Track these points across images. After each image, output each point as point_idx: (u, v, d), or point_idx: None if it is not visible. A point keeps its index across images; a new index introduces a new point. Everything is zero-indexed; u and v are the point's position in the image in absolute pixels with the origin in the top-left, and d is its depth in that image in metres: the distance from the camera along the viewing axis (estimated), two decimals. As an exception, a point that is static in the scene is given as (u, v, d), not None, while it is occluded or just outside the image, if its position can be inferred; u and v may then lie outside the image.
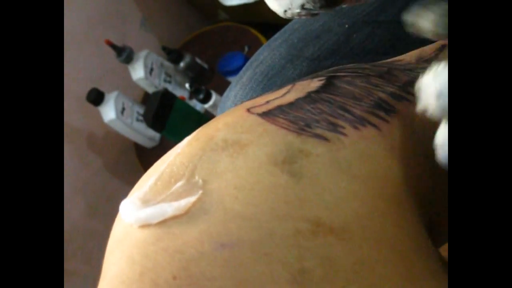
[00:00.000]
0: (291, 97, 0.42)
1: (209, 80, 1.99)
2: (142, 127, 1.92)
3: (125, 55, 1.93)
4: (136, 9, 2.19)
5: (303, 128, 0.39)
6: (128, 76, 1.99)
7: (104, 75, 2.00)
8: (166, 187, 0.37)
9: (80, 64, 1.92)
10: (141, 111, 1.92)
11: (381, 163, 0.39)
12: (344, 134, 0.39)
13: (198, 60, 2.00)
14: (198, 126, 1.60)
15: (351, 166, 0.38)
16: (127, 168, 2.09)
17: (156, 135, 2.01)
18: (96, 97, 1.83)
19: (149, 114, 1.75)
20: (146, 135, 1.98)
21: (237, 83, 0.70)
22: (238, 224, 0.34)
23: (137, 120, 1.93)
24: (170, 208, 0.35)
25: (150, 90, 2.01)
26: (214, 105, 1.76)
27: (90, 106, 1.83)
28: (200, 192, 0.35)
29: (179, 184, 0.36)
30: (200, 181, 0.36)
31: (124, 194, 0.42)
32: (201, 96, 1.76)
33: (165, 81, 2.03)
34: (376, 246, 0.36)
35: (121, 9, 2.14)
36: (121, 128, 1.91)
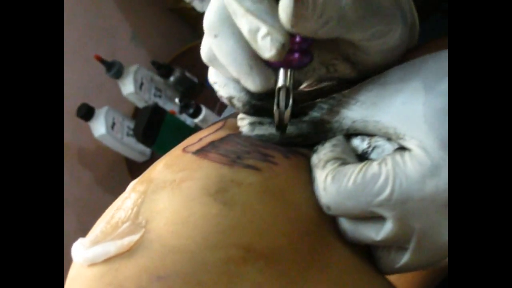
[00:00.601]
0: (223, 133, 0.44)
1: (199, 94, 1.99)
2: (133, 141, 1.92)
3: (115, 70, 1.93)
4: (126, 24, 2.19)
5: (234, 160, 0.41)
6: (118, 91, 1.98)
7: (94, 90, 2.00)
8: (114, 229, 0.39)
9: (70, 80, 1.92)
10: (132, 125, 1.92)
11: (311, 188, 0.41)
12: (275, 163, 0.41)
13: (188, 74, 2.01)
14: (188, 140, 1.56)
15: (284, 193, 0.40)
16: (118, 182, 2.08)
17: (146, 150, 2.01)
18: (86, 112, 1.82)
19: (139, 129, 1.75)
20: (137, 150, 1.97)
21: None
22: (173, 257, 0.36)
23: (128, 135, 1.92)
24: (114, 246, 0.37)
25: (140, 104, 2.01)
26: (204, 120, 1.76)
27: (80, 122, 1.83)
28: (143, 230, 0.38)
29: (125, 225, 0.38)
30: (144, 221, 0.38)
31: None
32: (191, 111, 1.76)
33: (155, 95, 2.03)
34: (307, 268, 0.38)
35: (111, 24, 2.14)
36: (112, 143, 1.90)
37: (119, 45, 2.16)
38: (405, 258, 0.40)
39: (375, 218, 0.39)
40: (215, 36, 0.41)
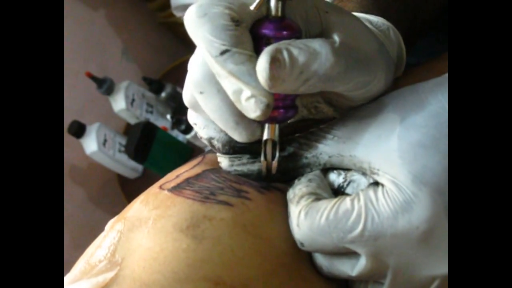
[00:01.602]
0: (199, 169, 0.45)
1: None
2: (125, 158, 1.91)
3: (106, 86, 1.92)
4: (117, 40, 2.19)
5: (207, 196, 0.42)
6: (109, 107, 1.98)
7: (85, 107, 1.99)
8: (92, 268, 0.40)
9: (61, 97, 1.91)
10: (123, 142, 1.92)
11: (286, 223, 0.42)
12: (249, 199, 0.42)
13: (180, 90, 2.00)
14: (181, 156, 1.58)
15: (256, 228, 0.41)
16: (111, 199, 2.07)
17: (139, 166, 2.00)
18: (78, 130, 1.82)
19: (130, 146, 1.74)
20: (129, 166, 1.96)
21: None
22: None
23: (120, 151, 1.92)
24: (89, 284, 0.38)
25: (132, 121, 2.00)
26: (196, 136, 1.75)
27: (71, 139, 1.82)
28: (118, 268, 0.39)
29: (102, 264, 0.40)
30: (120, 259, 0.39)
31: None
32: (182, 127, 1.76)
33: (146, 111, 2.03)
34: None
35: (101, 40, 2.14)
36: (104, 160, 1.90)
37: (110, 61, 2.16)
38: None
39: (350, 253, 0.39)
40: (201, 93, 0.41)
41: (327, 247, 0.39)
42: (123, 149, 1.90)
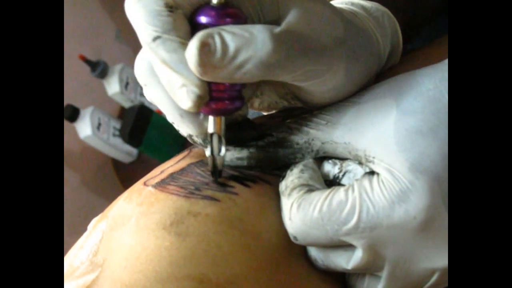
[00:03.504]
0: (184, 163, 0.44)
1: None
2: (119, 142, 1.90)
3: (100, 70, 1.91)
4: (111, 22, 2.17)
5: (192, 191, 0.40)
6: (103, 91, 1.97)
7: (79, 91, 1.98)
8: (75, 270, 0.39)
9: (54, 80, 1.90)
10: (118, 126, 1.90)
11: (276, 216, 0.41)
12: (235, 193, 0.41)
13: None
14: (176, 140, 1.58)
15: (243, 222, 0.39)
16: (106, 184, 2.07)
17: (133, 150, 1.99)
18: (71, 114, 1.81)
19: (125, 129, 1.73)
20: (124, 150, 1.96)
21: None
22: None
23: (114, 135, 1.91)
24: (70, 287, 0.38)
25: (126, 104, 2.00)
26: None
27: (65, 123, 1.81)
28: (99, 269, 0.38)
29: (84, 265, 0.39)
30: (101, 260, 0.38)
31: (103, 210, 0.43)
32: (178, 110, 1.75)
33: (141, 95, 2.02)
34: None
35: (95, 23, 2.12)
36: (98, 144, 1.89)
37: (103, 43, 2.14)
38: (379, 287, 0.39)
39: (346, 245, 0.39)
40: (145, 85, 0.40)
41: (321, 240, 0.38)
42: (117, 133, 1.89)
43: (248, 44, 0.35)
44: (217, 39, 0.34)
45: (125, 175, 2.02)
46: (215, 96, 0.37)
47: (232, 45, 0.34)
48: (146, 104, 1.90)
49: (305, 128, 0.41)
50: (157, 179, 0.42)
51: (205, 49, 0.34)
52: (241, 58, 0.35)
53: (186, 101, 0.36)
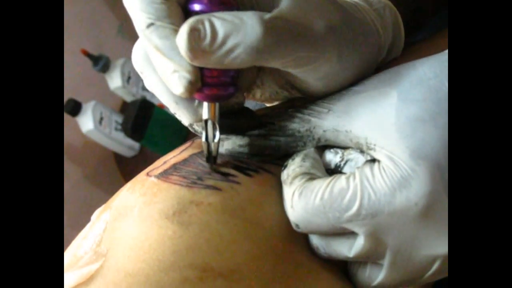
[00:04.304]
0: (186, 153, 0.44)
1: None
2: (121, 136, 1.90)
3: (102, 64, 1.91)
4: (112, 17, 2.17)
5: (195, 181, 0.41)
6: (105, 85, 1.97)
7: (81, 85, 1.98)
8: (79, 260, 0.39)
9: (56, 74, 1.89)
10: (120, 120, 1.90)
11: (278, 205, 0.41)
12: (237, 182, 0.41)
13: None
14: (178, 134, 1.58)
15: (245, 211, 0.40)
16: (108, 178, 2.07)
17: (135, 144, 1.99)
18: (73, 108, 1.81)
19: (127, 123, 1.73)
20: (126, 145, 1.96)
21: None
22: (128, 281, 0.36)
23: (116, 129, 1.91)
24: (73, 276, 0.38)
25: (128, 98, 1.99)
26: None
27: (67, 117, 1.81)
28: (103, 259, 0.38)
29: (88, 255, 0.39)
30: (105, 249, 0.39)
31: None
32: (180, 104, 1.75)
33: (143, 89, 2.02)
34: (270, 285, 0.38)
35: (96, 17, 2.12)
36: (100, 138, 1.89)
37: (105, 37, 2.14)
38: (381, 275, 0.40)
39: (348, 233, 0.39)
40: (141, 73, 0.41)
41: (323, 227, 0.39)
42: (119, 127, 1.89)
43: (237, 30, 0.35)
44: (207, 25, 0.35)
45: (127, 169, 2.02)
46: (208, 82, 0.38)
47: (221, 30, 0.35)
48: (148, 98, 1.90)
49: (307, 117, 0.41)
50: (160, 170, 0.43)
51: (194, 34, 0.35)
52: (230, 43, 0.35)
53: (178, 86, 0.36)
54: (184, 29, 0.35)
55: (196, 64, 0.36)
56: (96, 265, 0.38)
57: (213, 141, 0.41)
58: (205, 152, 0.41)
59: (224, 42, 0.35)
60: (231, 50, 0.35)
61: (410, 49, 0.50)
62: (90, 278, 0.37)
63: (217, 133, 0.40)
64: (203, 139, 0.40)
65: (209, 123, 0.40)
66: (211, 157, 0.41)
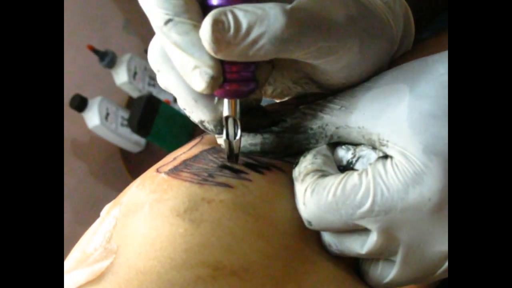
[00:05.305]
0: (196, 150, 0.44)
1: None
2: (127, 132, 1.90)
3: (108, 59, 1.91)
4: (118, 12, 2.17)
5: (206, 178, 0.40)
6: (111, 80, 1.97)
7: (87, 81, 1.98)
8: (88, 256, 0.39)
9: (62, 70, 1.90)
10: (126, 115, 1.91)
11: (289, 203, 0.41)
12: (249, 180, 0.41)
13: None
14: (184, 129, 1.58)
15: (257, 209, 0.40)
16: (113, 173, 2.07)
17: (141, 140, 1.99)
18: (79, 103, 1.81)
19: (133, 119, 1.73)
20: (132, 140, 1.96)
21: None
22: (139, 279, 0.36)
23: (122, 125, 1.91)
24: (84, 273, 0.38)
25: (134, 94, 2.00)
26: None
27: (73, 113, 1.81)
28: (113, 256, 0.38)
29: (97, 252, 0.39)
30: (115, 246, 0.38)
31: (111, 200, 0.43)
32: (186, 100, 1.75)
33: (149, 84, 2.02)
34: (283, 282, 0.38)
35: (102, 13, 2.12)
36: (106, 134, 1.89)
37: (111, 33, 2.14)
38: (393, 272, 0.40)
39: (360, 230, 0.39)
40: (158, 71, 0.40)
41: (336, 224, 0.38)
42: (125, 122, 1.89)
43: (260, 20, 0.34)
44: (230, 16, 0.34)
45: (133, 165, 2.02)
46: (229, 77, 0.37)
47: (245, 21, 0.34)
48: (154, 93, 1.90)
49: (319, 113, 0.41)
50: (170, 166, 0.42)
51: (218, 26, 0.34)
52: (254, 34, 0.34)
53: (200, 82, 0.36)
54: (208, 21, 0.34)
55: (220, 57, 0.35)
56: (107, 262, 0.37)
57: (235, 139, 0.40)
58: (226, 150, 0.41)
59: (248, 33, 0.34)
60: (255, 41, 0.35)
61: (419, 45, 0.50)
62: (101, 275, 0.37)
63: (239, 131, 0.40)
64: (224, 137, 0.40)
65: (230, 120, 0.40)
66: (233, 155, 0.41)
